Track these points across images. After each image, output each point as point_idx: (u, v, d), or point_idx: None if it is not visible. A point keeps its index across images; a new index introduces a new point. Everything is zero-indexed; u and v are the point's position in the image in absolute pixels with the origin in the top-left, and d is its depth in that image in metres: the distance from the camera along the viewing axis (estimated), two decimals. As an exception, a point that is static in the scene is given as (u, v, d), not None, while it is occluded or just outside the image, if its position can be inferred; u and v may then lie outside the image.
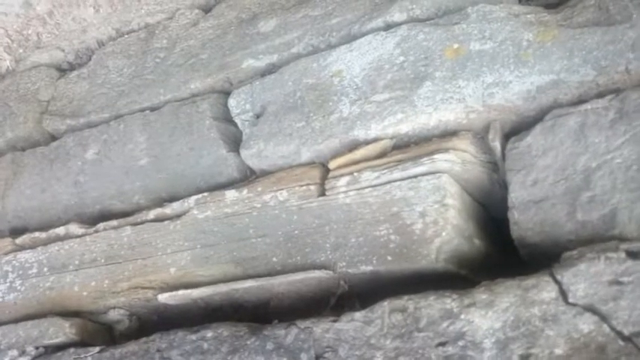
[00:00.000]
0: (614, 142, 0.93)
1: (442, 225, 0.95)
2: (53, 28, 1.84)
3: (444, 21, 1.17)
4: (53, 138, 1.68)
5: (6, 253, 1.42)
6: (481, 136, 1.06)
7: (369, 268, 0.99)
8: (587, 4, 1.08)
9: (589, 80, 1.00)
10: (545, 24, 1.08)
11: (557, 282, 0.81)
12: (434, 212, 0.96)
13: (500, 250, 1.08)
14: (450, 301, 0.84)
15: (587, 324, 0.78)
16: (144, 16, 1.72)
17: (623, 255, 0.81)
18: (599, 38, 1.01)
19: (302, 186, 1.14)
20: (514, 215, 0.97)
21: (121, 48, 1.70)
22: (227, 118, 1.38)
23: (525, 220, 0.96)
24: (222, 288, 1.09)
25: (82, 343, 1.16)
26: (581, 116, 0.96)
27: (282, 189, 1.15)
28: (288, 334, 0.93)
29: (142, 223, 1.28)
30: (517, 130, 1.04)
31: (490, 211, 1.12)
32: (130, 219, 1.31)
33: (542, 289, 0.81)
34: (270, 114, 1.26)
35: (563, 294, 0.80)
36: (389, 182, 1.04)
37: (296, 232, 1.09)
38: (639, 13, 1.00)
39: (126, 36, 1.73)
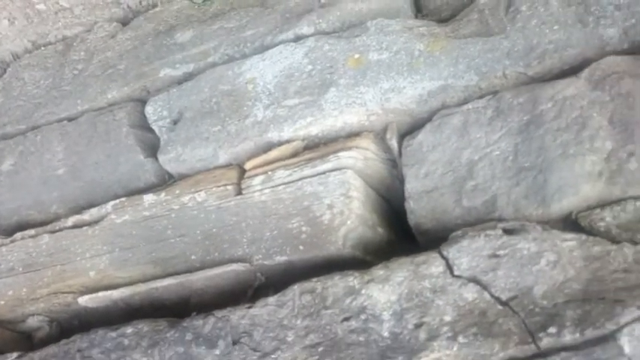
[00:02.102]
0: (492, 136, 1.06)
1: (347, 214, 1.04)
2: (-36, 41, 1.81)
3: (347, 34, 1.28)
4: (-35, 152, 1.64)
5: None
6: (381, 136, 1.17)
7: (284, 258, 1.06)
8: (471, 18, 1.22)
9: (473, 84, 1.13)
10: (436, 36, 1.21)
11: (444, 257, 0.92)
12: (340, 204, 1.05)
13: (402, 239, 1.18)
14: (352, 279, 0.92)
15: (470, 293, 0.88)
16: (61, 28, 1.73)
17: (500, 232, 0.93)
18: (480, 47, 1.15)
19: (220, 186, 1.20)
20: (410, 205, 1.08)
21: (37, 60, 1.70)
22: (144, 126, 1.41)
23: (419, 209, 1.07)
24: (142, 287, 1.12)
25: (0, 351, 1.15)
26: (463, 115, 1.09)
27: (200, 190, 1.21)
28: (206, 323, 0.99)
29: (60, 230, 1.29)
30: (412, 130, 1.16)
31: (392, 204, 1.22)
32: (48, 227, 1.31)
33: (432, 264, 0.91)
34: (187, 119, 1.32)
35: (450, 268, 0.91)
36: (300, 179, 1.12)
37: (214, 230, 1.15)
38: (512, 26, 1.15)
39: (42, 48, 1.73)
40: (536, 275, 0.87)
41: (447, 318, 0.87)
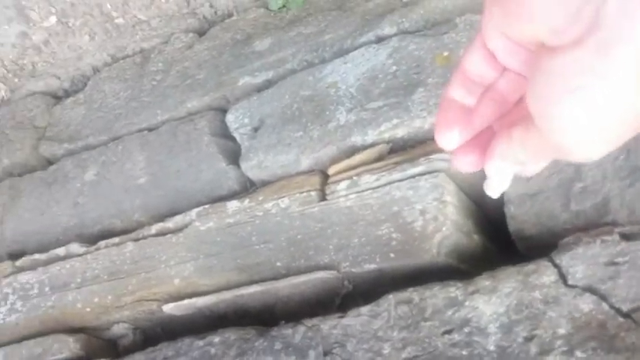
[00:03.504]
0: (601, 134, 0.98)
1: (442, 221, 0.98)
2: (48, 57, 1.88)
3: (432, 32, 1.23)
4: (50, 163, 1.70)
5: (6, 276, 1.41)
6: (474, 136, 1.10)
7: (373, 266, 1.01)
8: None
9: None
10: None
11: (556, 266, 0.84)
12: (433, 209, 1.00)
13: (496, 246, 1.11)
14: (454, 290, 0.86)
15: (587, 303, 0.80)
16: (139, 41, 1.77)
17: (617, 238, 0.85)
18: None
19: (303, 192, 1.17)
20: (510, 209, 1.01)
21: (116, 73, 1.74)
22: (225, 134, 1.41)
23: (521, 214, 0.99)
24: (227, 295, 1.10)
25: (87, 357, 1.16)
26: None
27: (283, 196, 1.18)
28: (296, 332, 0.95)
29: (144, 238, 1.29)
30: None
31: (484, 209, 1.15)
32: (132, 235, 1.32)
33: (542, 274, 0.84)
34: (268, 126, 1.30)
35: (563, 277, 0.83)
36: (388, 183, 1.07)
37: (299, 236, 1.11)
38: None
39: (121, 61, 1.78)
40: (662, 285, 0.78)
41: (561, 331, 0.80)
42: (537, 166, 0.57)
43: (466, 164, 0.58)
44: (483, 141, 0.54)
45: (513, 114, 0.53)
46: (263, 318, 1.11)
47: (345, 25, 1.37)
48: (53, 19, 1.79)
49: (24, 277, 1.38)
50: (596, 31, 0.38)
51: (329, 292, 1.06)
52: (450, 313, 0.84)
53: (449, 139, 0.53)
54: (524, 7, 0.40)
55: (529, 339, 0.80)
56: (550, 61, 0.42)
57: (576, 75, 0.40)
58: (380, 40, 1.29)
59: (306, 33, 1.43)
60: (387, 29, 1.29)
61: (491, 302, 0.82)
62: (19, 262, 1.43)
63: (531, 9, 0.40)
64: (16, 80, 1.96)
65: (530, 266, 0.85)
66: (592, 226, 0.91)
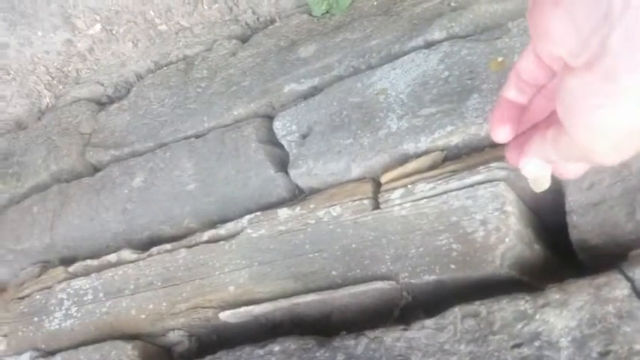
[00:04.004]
0: (668, 142, 0.95)
1: (504, 232, 0.97)
2: (92, 64, 1.91)
3: (485, 36, 1.21)
4: (96, 169, 1.73)
5: (59, 282, 1.44)
6: (532, 144, 1.09)
7: (433, 277, 1.00)
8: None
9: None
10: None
11: (628, 279, 0.82)
12: (495, 219, 0.98)
13: (555, 257, 1.09)
14: (523, 303, 0.85)
15: (663, 319, 0.78)
16: (182, 48, 1.79)
17: (691, 250, 0.83)
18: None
19: (355, 200, 1.16)
20: (573, 219, 0.99)
21: (160, 80, 1.76)
22: (272, 141, 1.41)
23: (584, 223, 0.98)
24: (284, 303, 1.10)
25: (145, 364, 1.18)
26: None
27: (335, 204, 1.18)
28: (358, 344, 0.95)
29: (196, 245, 1.31)
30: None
31: (542, 219, 1.13)
32: (184, 242, 1.34)
33: (615, 287, 0.82)
34: (317, 133, 1.30)
35: (636, 291, 0.81)
36: (445, 192, 1.06)
37: (353, 245, 1.11)
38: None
39: (165, 68, 1.79)
40: None
41: (638, 347, 0.78)
42: (577, 169, 0.62)
43: (513, 158, 0.65)
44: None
45: (552, 116, 0.56)
46: (319, 327, 1.11)
47: (392, 30, 1.36)
48: (98, 27, 1.81)
49: (78, 283, 1.41)
50: (603, 58, 0.42)
51: (387, 303, 1.06)
52: (519, 326, 0.83)
53: (501, 133, 0.62)
54: (548, 31, 0.45)
55: (604, 354, 0.78)
56: (570, 80, 0.47)
57: (592, 95, 0.45)
58: (429, 45, 1.28)
59: (351, 38, 1.42)
60: (437, 34, 1.28)
61: (562, 316, 0.81)
62: (71, 268, 1.46)
63: (553, 33, 0.45)
64: (61, 87, 1.99)
65: (602, 279, 0.83)
66: (661, 237, 0.89)
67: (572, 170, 0.65)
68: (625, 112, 0.45)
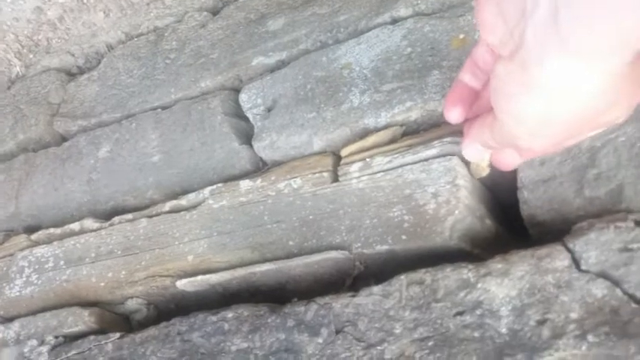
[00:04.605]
0: (617, 120, 0.97)
1: (454, 204, 0.98)
2: (63, 33, 1.89)
3: (449, 14, 1.22)
4: (64, 139, 1.72)
5: (21, 249, 1.44)
6: (489, 120, 1.10)
7: (385, 247, 1.02)
8: None
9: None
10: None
11: (569, 251, 0.84)
12: (446, 192, 1.00)
13: (510, 233, 1.11)
14: (466, 272, 0.87)
15: (600, 289, 0.81)
16: (153, 19, 1.77)
17: (631, 224, 0.85)
18: None
19: (315, 173, 1.17)
20: (523, 194, 1.01)
21: (130, 51, 1.74)
22: (238, 114, 1.41)
23: (534, 199, 1.00)
24: (240, 272, 1.11)
25: (102, 331, 1.18)
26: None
27: (295, 177, 1.18)
28: (308, 310, 0.96)
29: (157, 215, 1.31)
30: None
31: (497, 195, 1.15)
32: (146, 211, 1.34)
33: (555, 258, 0.84)
34: (281, 107, 1.30)
35: (576, 262, 0.84)
36: (401, 166, 1.07)
37: (311, 217, 1.12)
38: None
39: (135, 39, 1.78)
40: (675, 272, 0.79)
41: (574, 315, 0.80)
42: (510, 161, 0.68)
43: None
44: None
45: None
46: (275, 296, 1.13)
47: (360, 5, 1.36)
48: (67, -5, 1.79)
49: (40, 251, 1.40)
50: (520, 49, 0.46)
51: (341, 273, 1.07)
52: (462, 294, 0.85)
53: (453, 114, 0.66)
54: (483, 20, 0.49)
55: (541, 322, 0.81)
56: (498, 67, 0.51)
57: (511, 83, 0.49)
58: (395, 21, 1.28)
59: (320, 13, 1.42)
60: (403, 10, 1.28)
61: (503, 285, 0.83)
62: (34, 236, 1.46)
63: (486, 22, 0.49)
64: (31, 56, 1.96)
65: (543, 250, 0.85)
66: (605, 212, 0.92)
67: (506, 160, 0.70)
68: (534, 102, 0.49)
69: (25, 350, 1.20)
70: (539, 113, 0.50)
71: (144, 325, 1.20)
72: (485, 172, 1.07)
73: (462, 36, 1.16)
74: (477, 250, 1.02)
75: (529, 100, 0.49)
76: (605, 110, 0.50)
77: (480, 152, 0.84)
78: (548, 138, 0.57)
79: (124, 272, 1.26)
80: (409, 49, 1.21)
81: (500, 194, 1.16)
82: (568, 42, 0.43)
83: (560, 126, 0.53)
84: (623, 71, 0.46)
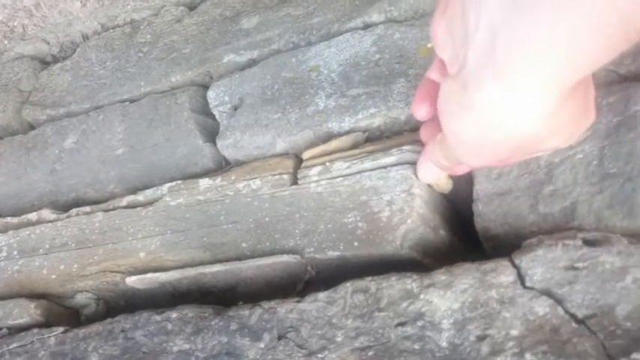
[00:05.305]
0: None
1: (408, 213, 0.97)
2: (39, 21, 1.86)
3: (420, 22, 1.21)
4: (32, 128, 1.69)
5: (-24, 237, 1.40)
6: (450, 131, 1.09)
7: (336, 253, 1.00)
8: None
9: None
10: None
11: (515, 266, 0.83)
12: (400, 201, 0.98)
13: (465, 244, 1.10)
14: (410, 282, 0.85)
15: (542, 307, 0.79)
16: (130, 11, 1.75)
17: (579, 242, 0.84)
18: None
19: (275, 175, 1.15)
20: (478, 207, 1.00)
21: (105, 42, 1.72)
22: (205, 111, 1.39)
23: (489, 212, 0.98)
24: (191, 272, 1.09)
25: (47, 324, 1.15)
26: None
27: (255, 178, 1.17)
28: (252, 314, 0.94)
29: (114, 209, 1.28)
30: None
31: (455, 205, 1.14)
32: (103, 205, 1.31)
33: (501, 273, 0.83)
34: (247, 106, 1.28)
35: (521, 278, 0.82)
36: (359, 172, 1.06)
37: (267, 219, 1.10)
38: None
39: (111, 31, 1.76)
40: (619, 293, 0.77)
41: (514, 332, 0.79)
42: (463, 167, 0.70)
43: (426, 136, 0.72)
44: None
45: None
46: (225, 298, 1.10)
47: (335, 9, 1.35)
48: (44, -18, 1.76)
49: (-7, 240, 1.37)
50: (462, 70, 0.46)
51: (292, 277, 1.05)
52: (404, 305, 0.83)
53: (420, 110, 0.68)
54: (435, 36, 0.51)
55: (481, 338, 0.79)
56: (444, 85, 0.51)
57: (452, 102, 0.50)
58: (367, 26, 1.27)
59: (294, 14, 1.40)
60: (375, 16, 1.27)
61: (446, 297, 0.81)
62: (-10, 225, 1.42)
63: (438, 38, 0.50)
64: (6, 42, 1.93)
65: (489, 264, 0.83)
66: (557, 229, 0.90)
67: (458, 167, 0.71)
68: (472, 124, 0.49)
69: (-31, 340, 1.16)
70: (476, 135, 0.50)
71: (92, 320, 1.17)
72: (448, 185, 1.06)
73: (429, 45, 1.15)
74: (428, 260, 1.00)
75: (468, 121, 0.50)
76: (544, 139, 0.49)
77: (434, 172, 0.85)
78: (488, 158, 0.56)
79: (76, 266, 1.23)
80: (377, 56, 1.20)
81: (461, 205, 1.14)
82: (502, 72, 0.43)
83: (498, 148, 0.52)
84: (560, 104, 0.45)
